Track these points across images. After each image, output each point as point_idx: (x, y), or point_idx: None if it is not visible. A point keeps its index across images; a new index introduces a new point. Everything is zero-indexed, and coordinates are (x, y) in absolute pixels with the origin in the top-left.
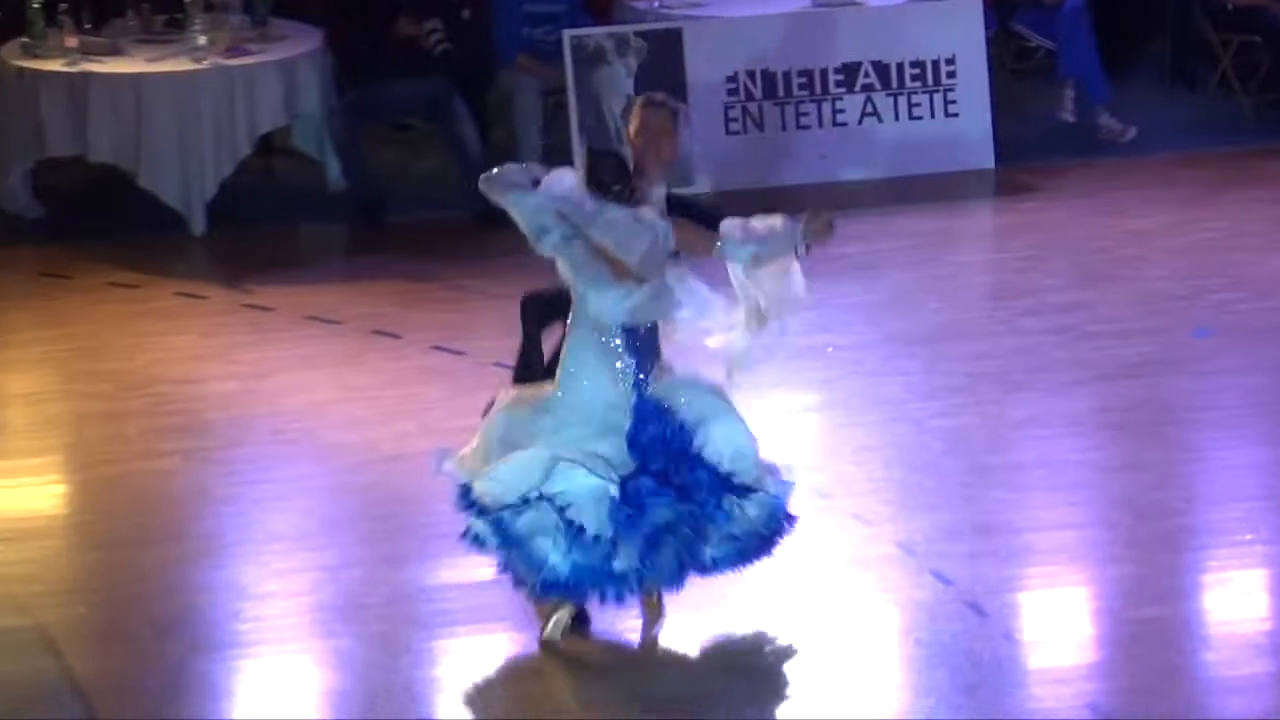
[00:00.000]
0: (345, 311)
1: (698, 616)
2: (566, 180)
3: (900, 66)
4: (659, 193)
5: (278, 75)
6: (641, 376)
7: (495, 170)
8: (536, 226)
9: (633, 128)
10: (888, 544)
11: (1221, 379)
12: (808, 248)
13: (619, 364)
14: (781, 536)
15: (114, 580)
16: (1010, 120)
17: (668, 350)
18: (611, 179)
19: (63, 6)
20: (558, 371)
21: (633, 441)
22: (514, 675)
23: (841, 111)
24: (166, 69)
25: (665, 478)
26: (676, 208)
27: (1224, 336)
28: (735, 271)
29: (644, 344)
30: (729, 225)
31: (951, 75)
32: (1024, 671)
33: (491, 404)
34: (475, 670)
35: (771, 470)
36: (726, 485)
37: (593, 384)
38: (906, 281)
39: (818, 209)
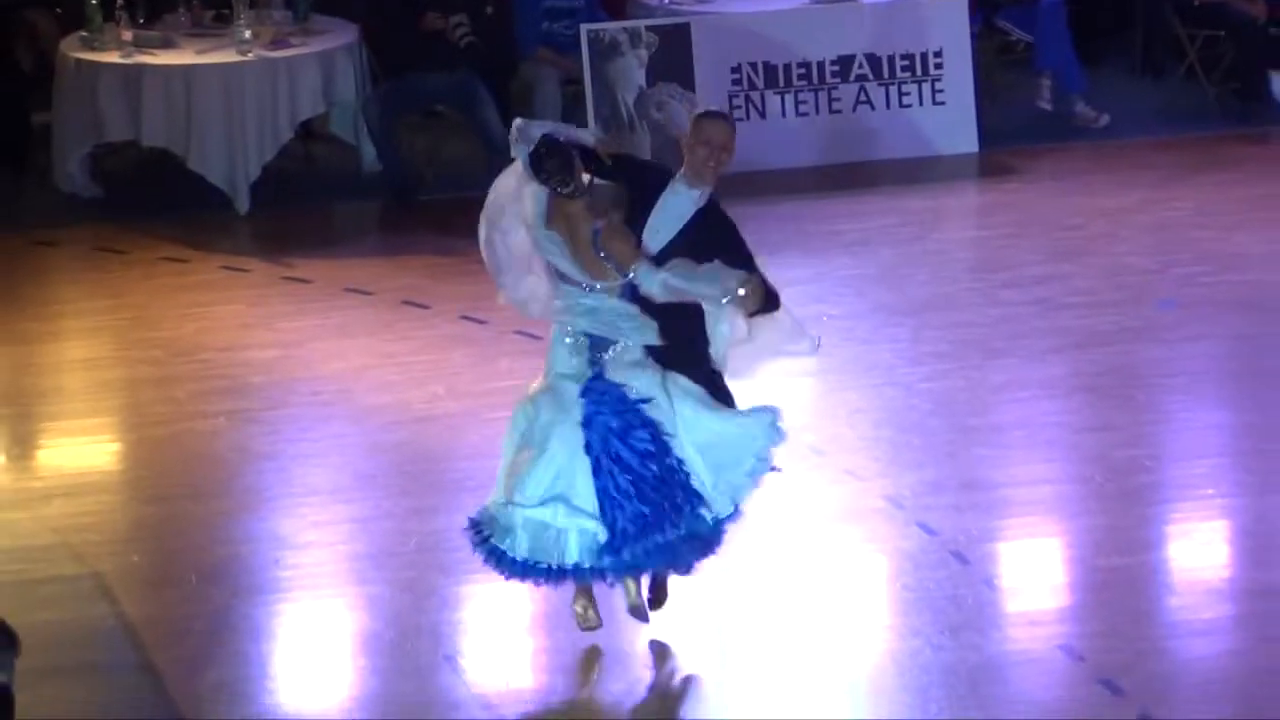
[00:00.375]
0: (378, 284)
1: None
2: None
3: (891, 59)
4: (698, 195)
5: (317, 66)
6: (599, 354)
7: (534, 123)
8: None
9: (693, 138)
10: (877, 498)
11: (1186, 346)
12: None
13: (570, 332)
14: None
15: (164, 531)
16: (993, 108)
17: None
18: (552, 173)
19: (119, 2)
20: None
21: (586, 421)
22: (534, 619)
23: (837, 100)
24: (214, 60)
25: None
26: (708, 220)
27: (1189, 307)
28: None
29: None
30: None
31: (939, 67)
32: (1002, 615)
33: None
34: (497, 614)
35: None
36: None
37: (555, 354)
38: (895, 256)
39: (751, 276)
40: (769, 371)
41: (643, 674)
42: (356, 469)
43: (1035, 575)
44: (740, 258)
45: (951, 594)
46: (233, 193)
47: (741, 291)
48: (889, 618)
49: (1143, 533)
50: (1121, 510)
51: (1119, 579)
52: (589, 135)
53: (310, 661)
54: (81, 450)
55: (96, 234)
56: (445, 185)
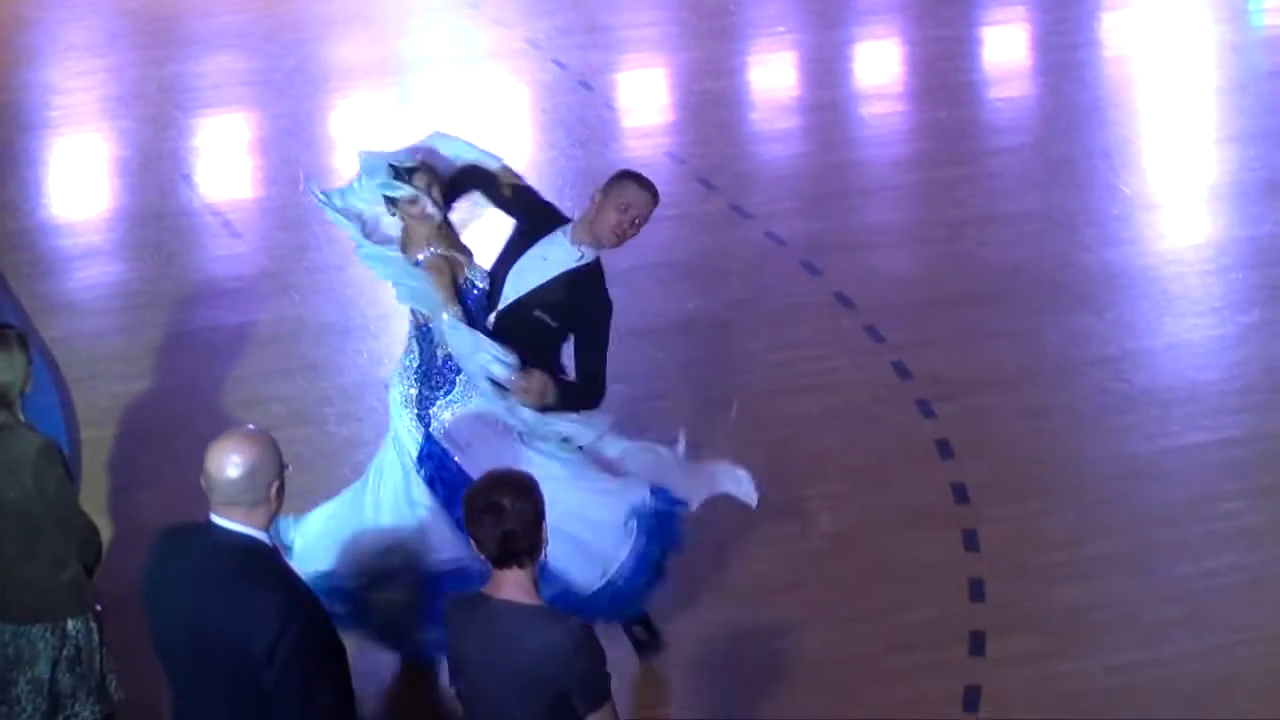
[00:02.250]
0: None
1: None
2: None
3: None
4: (579, 253)
5: None
6: (428, 410)
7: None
8: None
9: (607, 197)
10: (520, 41)
11: None
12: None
13: (408, 387)
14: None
15: None
16: None
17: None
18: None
19: None
20: None
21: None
22: (251, 144)
23: None
24: None
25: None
26: (577, 285)
27: None
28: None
29: (431, 371)
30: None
31: None
32: (621, 130)
33: None
34: (223, 142)
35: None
36: None
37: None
38: None
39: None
40: None
41: None
42: (108, 28)
43: (646, 98)
44: (588, 346)
45: (580, 115)
46: None
47: (507, 377)
48: (531, 135)
49: (729, 62)
50: (712, 45)
51: (711, 99)
52: (494, 162)
53: (75, 182)
54: None
55: None
56: None
